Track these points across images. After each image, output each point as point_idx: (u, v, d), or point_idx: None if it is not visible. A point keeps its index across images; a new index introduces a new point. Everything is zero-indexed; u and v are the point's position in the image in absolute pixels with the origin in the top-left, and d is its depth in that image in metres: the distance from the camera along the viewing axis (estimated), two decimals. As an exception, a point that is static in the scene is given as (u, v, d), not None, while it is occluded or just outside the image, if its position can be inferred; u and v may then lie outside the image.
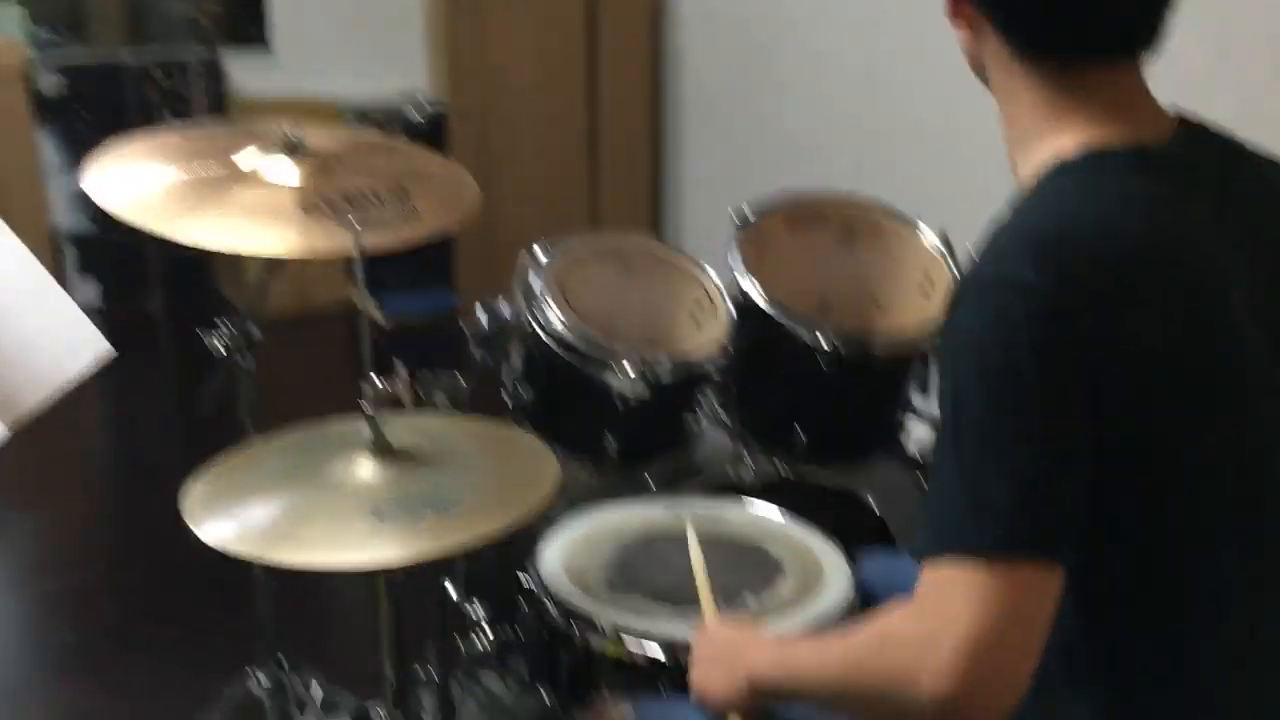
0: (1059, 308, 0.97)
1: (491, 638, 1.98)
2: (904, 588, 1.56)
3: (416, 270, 4.04)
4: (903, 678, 0.97)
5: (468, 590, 2.14)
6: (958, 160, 3.18)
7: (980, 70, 1.17)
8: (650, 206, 4.42)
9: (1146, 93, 1.11)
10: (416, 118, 4.41)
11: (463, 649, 1.96)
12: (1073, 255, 0.99)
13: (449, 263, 4.35)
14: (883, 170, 3.43)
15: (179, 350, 4.68)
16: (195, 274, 4.83)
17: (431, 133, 4.36)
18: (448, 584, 1.97)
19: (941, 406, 1.02)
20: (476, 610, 2.08)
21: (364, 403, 1.37)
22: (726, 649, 1.25)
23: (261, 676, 2.08)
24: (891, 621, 1.03)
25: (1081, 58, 1.08)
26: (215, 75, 4.50)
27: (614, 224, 4.24)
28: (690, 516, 1.67)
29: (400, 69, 4.80)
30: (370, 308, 1.43)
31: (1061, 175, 1.06)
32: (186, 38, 4.55)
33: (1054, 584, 0.97)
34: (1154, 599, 1.05)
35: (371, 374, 1.38)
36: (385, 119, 4.45)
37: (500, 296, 2.00)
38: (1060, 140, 1.08)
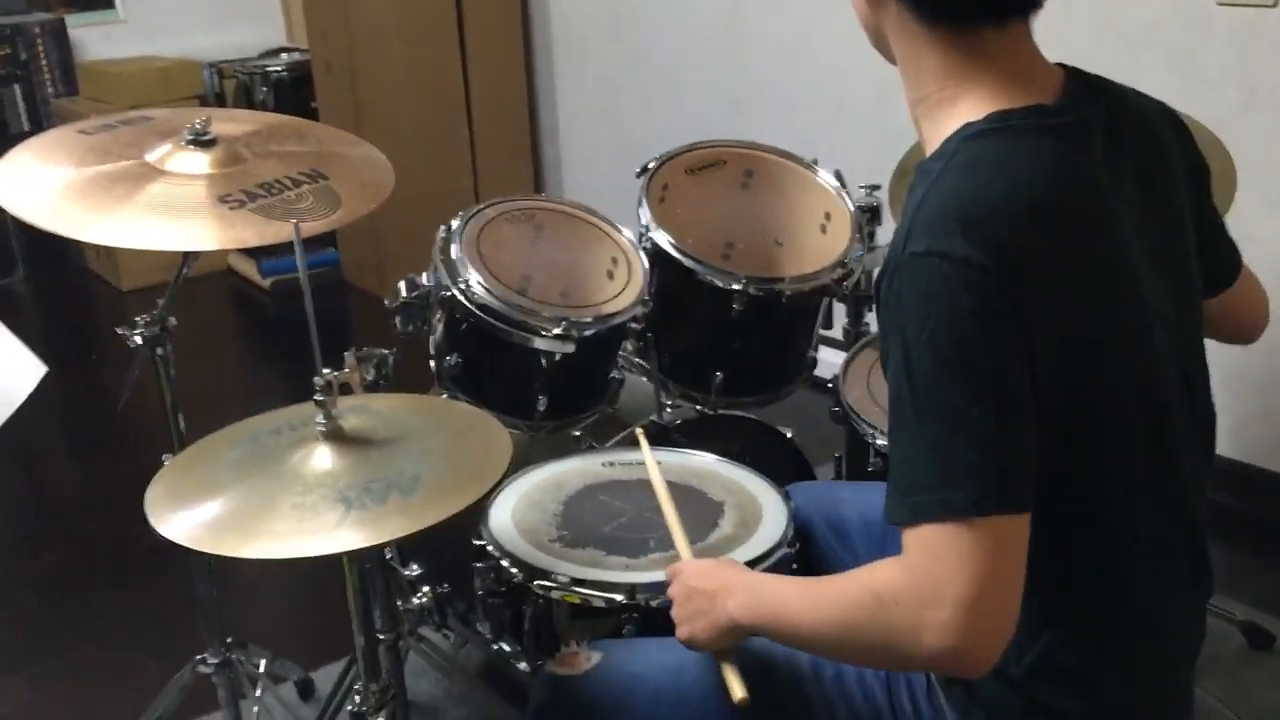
0: (993, 277, 1.05)
1: (429, 595, 2.04)
2: (829, 516, 1.68)
3: (295, 229, 4.01)
4: (906, 634, 1.06)
5: (400, 553, 2.19)
6: (822, 83, 3.28)
7: (880, 40, 1.24)
8: (529, 149, 4.40)
9: (1037, 52, 1.20)
10: (279, 71, 4.30)
11: (401, 608, 2.01)
12: (998, 226, 1.07)
13: (327, 219, 4.29)
14: (750, 98, 3.51)
15: (46, 326, 4.55)
16: (58, 249, 4.68)
17: (295, 86, 4.26)
18: (386, 551, 2.01)
19: (892, 377, 1.09)
20: (412, 570, 2.13)
21: (318, 393, 1.40)
22: (707, 589, 1.30)
23: (208, 656, 2.11)
24: (884, 581, 1.10)
25: (976, 20, 1.15)
26: (61, 41, 4.32)
27: (492, 170, 4.23)
28: (640, 451, 1.71)
29: (256, 22, 4.67)
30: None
31: (971, 140, 1.13)
32: (25, 3, 4.35)
33: (1026, 527, 1.06)
34: (1080, 515, 1.16)
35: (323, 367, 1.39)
36: (246, 75, 4.33)
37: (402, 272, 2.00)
38: (966, 103, 1.16)
